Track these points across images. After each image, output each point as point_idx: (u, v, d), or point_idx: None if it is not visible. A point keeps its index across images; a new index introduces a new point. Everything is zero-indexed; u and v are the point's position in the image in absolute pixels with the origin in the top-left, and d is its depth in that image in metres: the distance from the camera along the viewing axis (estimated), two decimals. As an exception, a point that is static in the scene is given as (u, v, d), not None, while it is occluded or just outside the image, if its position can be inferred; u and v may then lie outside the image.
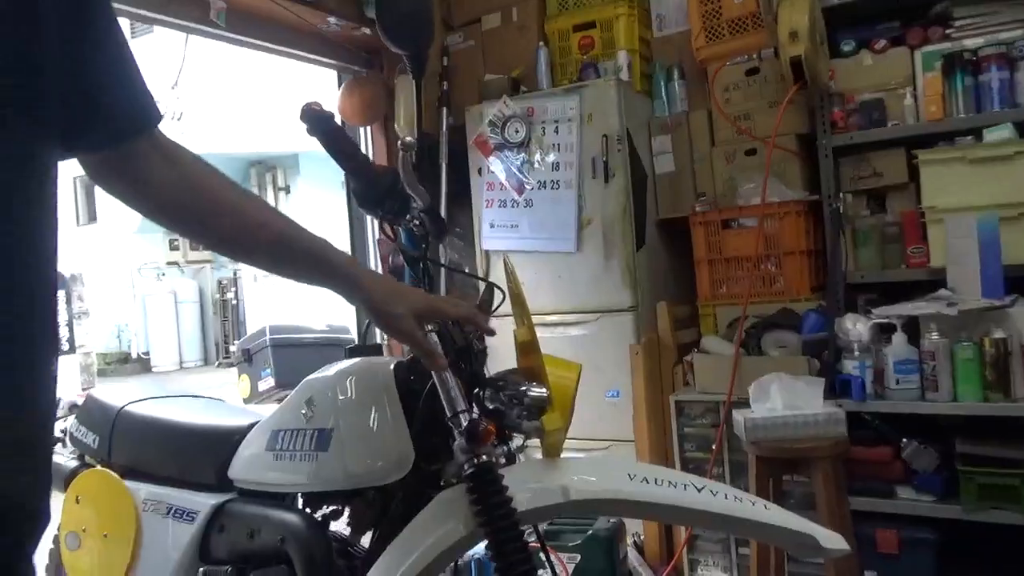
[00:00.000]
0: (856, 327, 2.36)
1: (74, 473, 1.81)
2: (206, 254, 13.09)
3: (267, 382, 3.92)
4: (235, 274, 12.17)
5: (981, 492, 2.14)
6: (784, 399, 2.12)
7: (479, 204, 3.16)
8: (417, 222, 1.21)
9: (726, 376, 2.54)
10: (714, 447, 2.58)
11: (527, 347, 1.27)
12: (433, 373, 1.22)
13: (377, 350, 1.47)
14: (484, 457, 1.14)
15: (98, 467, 1.77)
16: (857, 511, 2.27)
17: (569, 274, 2.98)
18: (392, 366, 1.33)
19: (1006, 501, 2.12)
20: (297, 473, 1.35)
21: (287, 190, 11.44)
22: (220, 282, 12.46)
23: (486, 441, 1.12)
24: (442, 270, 1.36)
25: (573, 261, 2.95)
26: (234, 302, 11.90)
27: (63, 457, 1.90)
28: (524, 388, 1.25)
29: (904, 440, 2.26)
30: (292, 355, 3.87)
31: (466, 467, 1.14)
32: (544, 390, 1.22)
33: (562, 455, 1.29)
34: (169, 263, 12.57)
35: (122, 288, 11.94)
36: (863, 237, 2.67)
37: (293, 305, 8.32)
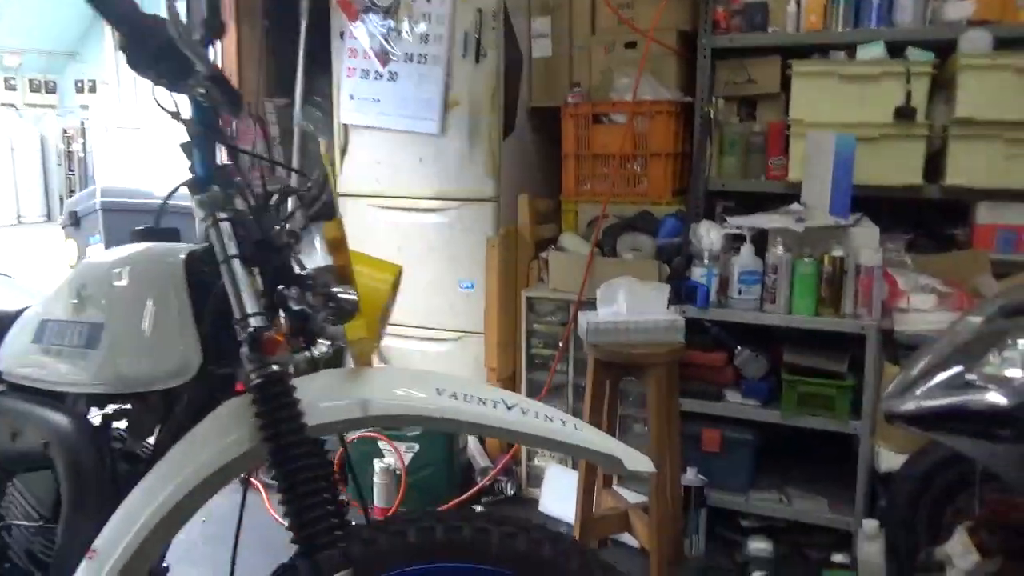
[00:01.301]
0: (709, 235, 2.36)
1: None
2: (50, 98, 11.75)
3: (96, 249, 3.55)
4: (83, 123, 11.02)
5: (800, 399, 2.25)
6: (629, 304, 2.10)
7: (340, 72, 2.89)
8: (202, 90, 1.01)
9: (579, 275, 2.50)
10: (560, 344, 2.58)
11: (335, 244, 1.13)
12: (222, 267, 1.06)
13: (173, 235, 1.28)
14: (275, 367, 1.02)
15: None
16: (687, 412, 2.34)
17: (431, 157, 2.80)
18: (184, 255, 1.16)
19: (821, 408, 2.23)
20: (64, 370, 1.18)
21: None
22: (65, 131, 11.26)
23: (271, 352, 0.99)
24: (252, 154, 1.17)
25: (436, 144, 2.78)
26: (81, 154, 10.83)
27: None
28: (334, 290, 1.12)
29: (738, 348, 2.32)
30: (127, 222, 3.49)
31: (253, 376, 1.01)
32: (351, 294, 1.09)
33: (377, 362, 1.19)
34: (4, 104, 11.19)
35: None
36: (729, 144, 2.64)
37: (148, 164, 7.64)
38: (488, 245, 2.71)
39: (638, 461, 1.09)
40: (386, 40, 2.75)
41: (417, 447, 2.54)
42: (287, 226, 1.17)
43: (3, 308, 1.37)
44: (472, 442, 2.77)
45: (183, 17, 1.02)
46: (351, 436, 2.58)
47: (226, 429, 1.03)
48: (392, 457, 2.52)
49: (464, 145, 2.74)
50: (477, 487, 2.63)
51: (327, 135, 3.03)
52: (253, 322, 1.01)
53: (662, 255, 2.44)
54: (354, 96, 2.86)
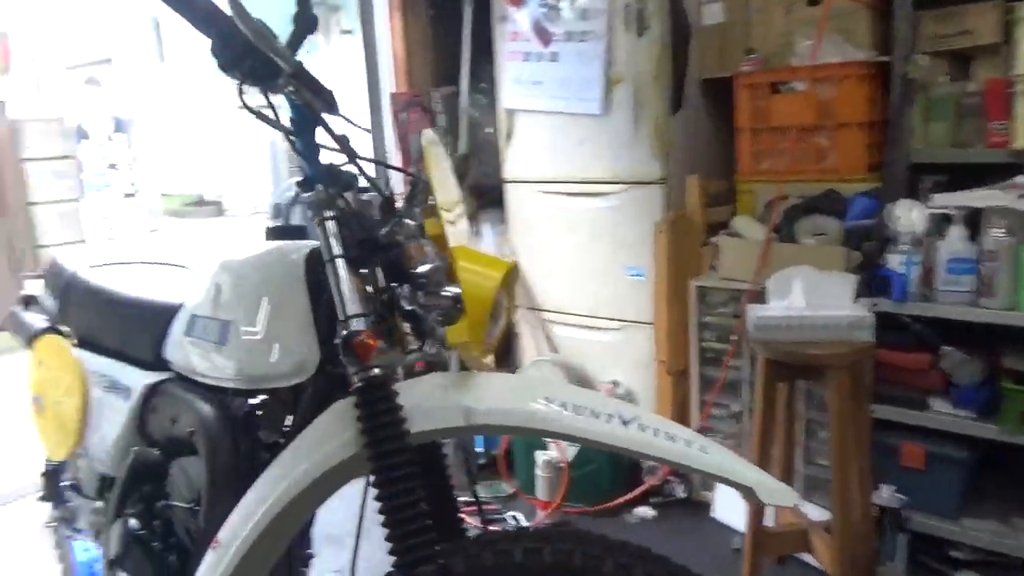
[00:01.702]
0: (910, 215, 2.04)
1: (38, 335, 1.76)
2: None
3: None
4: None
5: (1026, 412, 1.88)
6: (807, 296, 1.87)
7: (502, 56, 2.85)
8: (291, 88, 0.99)
9: (753, 263, 2.28)
10: (734, 338, 2.37)
11: (438, 241, 1.07)
12: (327, 267, 1.04)
13: (299, 232, 1.30)
14: (376, 371, 0.98)
15: (53, 333, 1.72)
16: (883, 420, 2.06)
17: (594, 139, 2.69)
18: (305, 253, 1.16)
19: (1055, 423, 1.86)
20: (204, 364, 1.24)
21: (351, 33, 11.01)
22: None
23: (365, 356, 0.96)
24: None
25: (599, 125, 2.66)
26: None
27: (32, 317, 1.85)
28: (443, 289, 1.07)
29: (945, 348, 1.99)
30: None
31: (354, 380, 0.99)
32: (454, 293, 1.04)
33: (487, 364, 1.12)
34: (241, 107, 12.53)
35: (198, 130, 12.03)
36: (937, 108, 2.26)
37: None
38: (655, 230, 2.55)
39: (776, 493, 0.93)
40: (546, 19, 2.67)
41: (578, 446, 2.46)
42: (399, 223, 1.14)
43: (172, 299, 1.47)
44: (637, 438, 2.63)
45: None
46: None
47: (333, 432, 1.02)
48: (555, 450, 2.46)
49: (629, 125, 2.60)
50: (644, 487, 2.51)
51: (492, 122, 3.02)
52: (352, 324, 0.98)
53: (851, 240, 2.15)
54: (516, 80, 2.81)
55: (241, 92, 0.94)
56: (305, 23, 0.99)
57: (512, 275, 1.13)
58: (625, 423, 0.98)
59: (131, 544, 1.35)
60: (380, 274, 1.11)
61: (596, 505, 2.45)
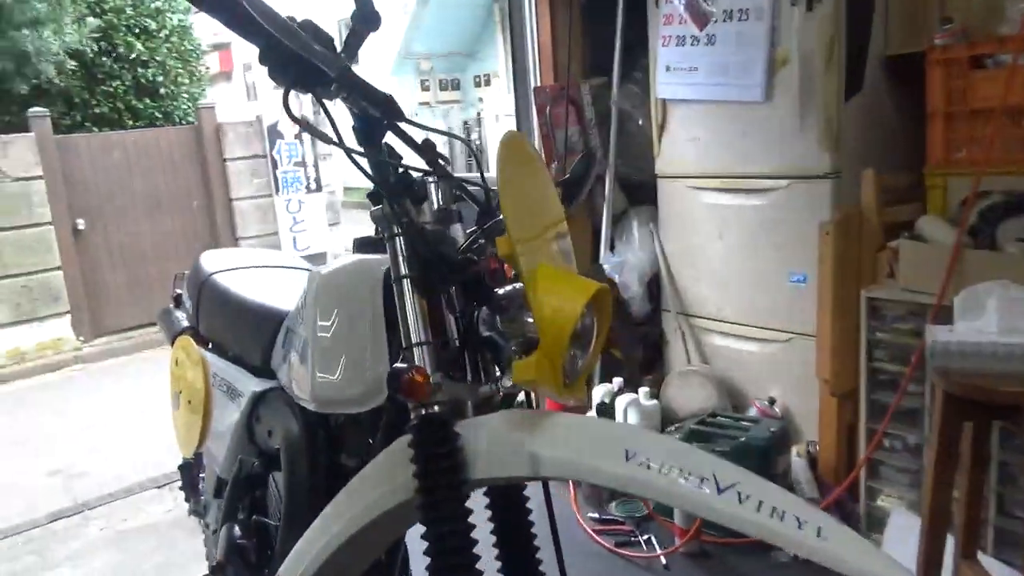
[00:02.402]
0: None
1: (178, 334, 1.84)
2: (455, 94, 13.41)
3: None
4: (478, 114, 12.36)
5: None
6: (1003, 318, 1.53)
7: (656, 43, 2.65)
8: (344, 95, 0.89)
9: (939, 272, 1.93)
10: (913, 359, 2.03)
11: (511, 262, 0.94)
12: (395, 288, 0.95)
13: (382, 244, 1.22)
14: (435, 407, 0.88)
15: (190, 333, 1.79)
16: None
17: (755, 129, 2.42)
18: (385, 268, 1.08)
19: None
20: (291, 379, 1.20)
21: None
22: (465, 122, 12.76)
23: (415, 396, 0.85)
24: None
25: (761, 113, 2.38)
26: (478, 142, 12.14)
27: (178, 315, 1.95)
28: (526, 315, 0.94)
29: None
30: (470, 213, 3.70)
31: (412, 417, 0.89)
32: (526, 323, 0.90)
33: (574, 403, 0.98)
34: (421, 103, 13.06)
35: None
36: None
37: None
38: (821, 231, 2.25)
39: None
40: None
41: (724, 464, 2.23)
42: (475, 242, 1.03)
43: (284, 306, 1.46)
44: (800, 470, 2.35)
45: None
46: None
47: (389, 473, 0.93)
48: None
49: (794, 113, 2.30)
50: (797, 519, 2.22)
51: (644, 113, 2.82)
52: (412, 356, 0.88)
53: (1070, 247, 1.75)
54: (670, 67, 2.59)
55: (286, 99, 0.87)
56: (364, 21, 0.89)
57: (603, 299, 0.97)
58: (721, 490, 0.81)
59: (232, 553, 1.35)
60: (457, 295, 1.00)
61: (740, 537, 2.20)
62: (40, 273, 5.60)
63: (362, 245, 1.19)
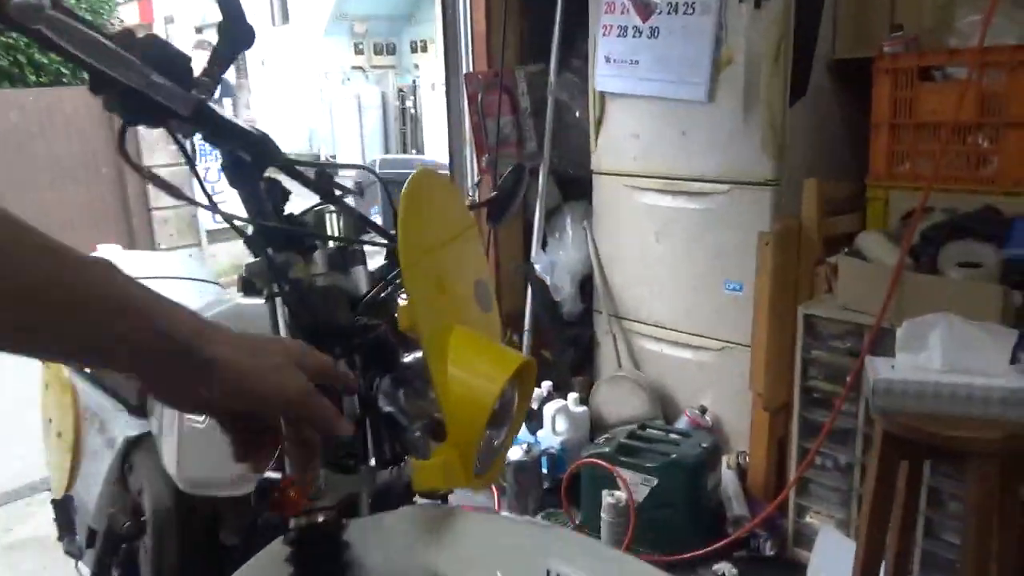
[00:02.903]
0: (1097, 250, 1.57)
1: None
2: (389, 59, 13.00)
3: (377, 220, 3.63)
4: (414, 82, 12.01)
5: None
6: (947, 354, 1.46)
7: (596, 31, 2.49)
8: (200, 135, 0.72)
9: (879, 293, 1.86)
10: (848, 380, 1.97)
11: (413, 335, 0.79)
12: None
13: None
14: (319, 515, 0.73)
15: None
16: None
17: (697, 130, 2.31)
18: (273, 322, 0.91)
19: None
20: (160, 441, 1.02)
21: None
22: (400, 89, 12.38)
23: (284, 512, 0.69)
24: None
25: (703, 113, 2.27)
26: (412, 111, 11.81)
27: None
28: (427, 393, 0.79)
29: None
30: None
31: (290, 525, 0.73)
32: (427, 403, 0.76)
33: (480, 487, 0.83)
34: (354, 67, 12.62)
35: (309, 89, 12.22)
36: None
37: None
38: (760, 242, 2.16)
39: None
40: (648, -12, 2.29)
41: (656, 481, 2.15)
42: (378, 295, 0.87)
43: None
44: (730, 483, 2.29)
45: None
46: (580, 459, 2.28)
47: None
48: (623, 489, 2.16)
49: (737, 114, 2.20)
50: (728, 539, 2.16)
51: (582, 105, 2.67)
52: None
53: (1010, 276, 1.70)
54: (610, 58, 2.45)
55: (122, 140, 0.69)
56: (232, 39, 0.71)
57: (528, 370, 0.83)
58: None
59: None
60: (353, 362, 0.84)
61: (669, 555, 2.14)
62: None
63: (250, 286, 1.02)
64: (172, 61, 0.66)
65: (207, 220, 6.52)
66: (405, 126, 12.07)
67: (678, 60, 2.27)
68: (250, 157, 0.75)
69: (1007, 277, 1.70)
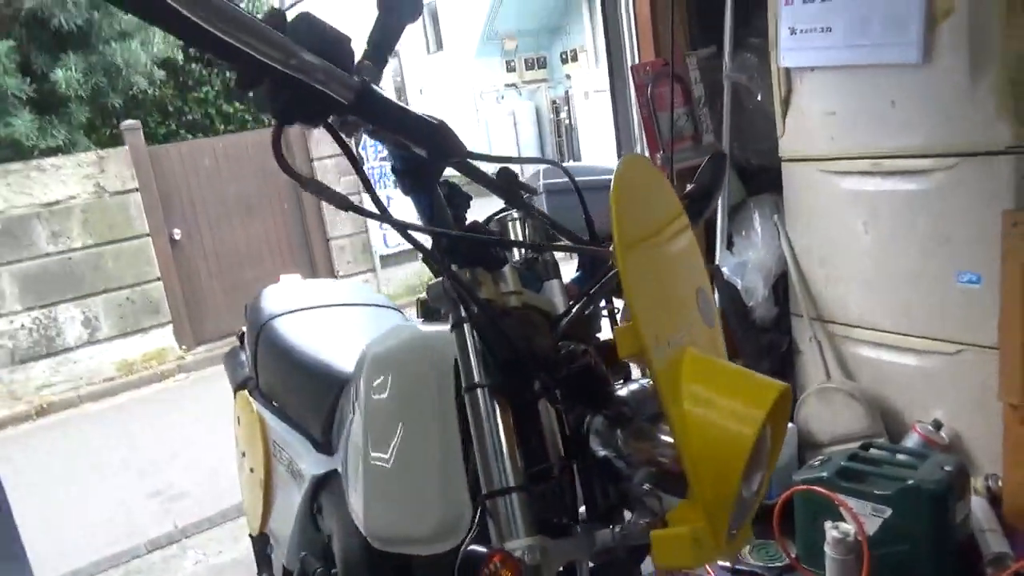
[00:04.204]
0: None
1: (238, 387, 1.62)
2: (540, 73, 13.06)
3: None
4: (566, 93, 11.95)
5: None
6: None
7: (776, 2, 2.23)
8: (367, 130, 0.60)
9: None
10: None
11: (640, 362, 0.63)
12: (465, 398, 0.65)
13: None
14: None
15: (251, 386, 1.55)
16: None
17: (910, 98, 1.98)
18: None
19: None
20: (346, 483, 0.92)
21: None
22: (553, 101, 12.38)
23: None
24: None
25: (916, 78, 1.94)
26: (567, 121, 11.75)
27: (243, 359, 1.72)
28: (660, 431, 0.64)
29: None
30: (569, 203, 3.34)
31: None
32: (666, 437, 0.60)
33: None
34: (507, 85, 12.78)
35: (466, 111, 12.51)
36: None
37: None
38: (1006, 222, 1.80)
39: None
40: (838, -56, 2.00)
41: (889, 512, 1.84)
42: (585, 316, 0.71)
43: (345, 366, 1.19)
44: (982, 513, 1.93)
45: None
46: (793, 485, 2.00)
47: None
48: (849, 520, 1.87)
49: (962, 75, 1.85)
50: (983, 580, 1.81)
51: (764, 87, 2.41)
52: (499, 506, 0.59)
53: None
54: (795, 29, 2.17)
55: (278, 142, 0.58)
56: (395, 12, 0.59)
57: (782, 403, 0.65)
58: None
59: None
60: (558, 398, 0.69)
61: (912, 598, 1.82)
62: (141, 285, 5.69)
63: (431, 311, 0.89)
64: (331, 44, 0.55)
65: (380, 245, 6.77)
66: (561, 137, 12.03)
67: (880, 19, 1.96)
68: (426, 153, 0.62)
69: None
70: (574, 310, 0.71)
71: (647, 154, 2.39)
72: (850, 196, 2.20)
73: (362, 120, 0.59)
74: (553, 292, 0.79)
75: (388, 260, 6.92)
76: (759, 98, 2.44)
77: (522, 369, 0.64)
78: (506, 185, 0.73)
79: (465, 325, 0.65)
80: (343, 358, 1.22)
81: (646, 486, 0.63)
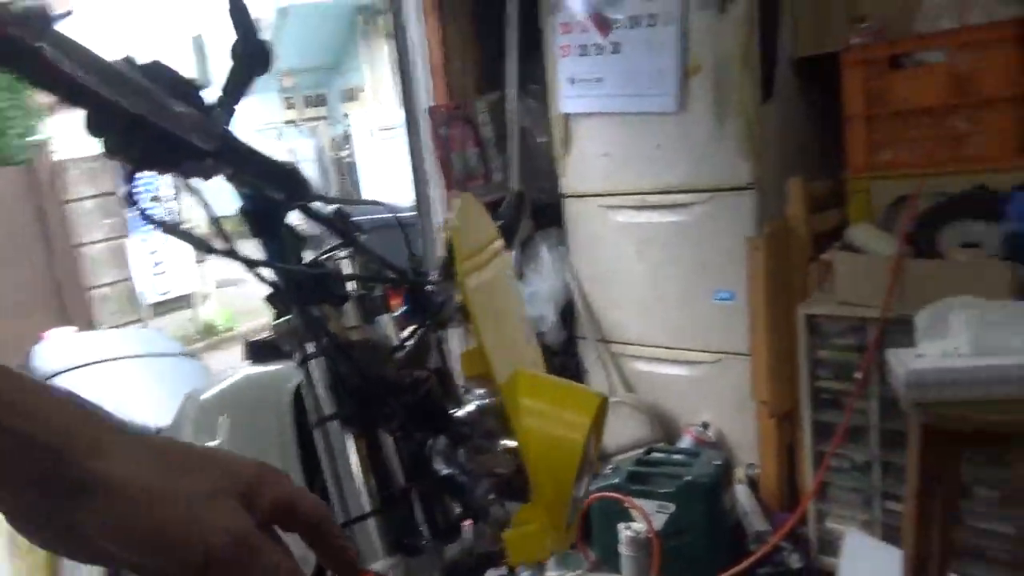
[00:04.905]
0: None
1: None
2: (320, 110, 12.88)
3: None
4: (346, 131, 11.90)
5: None
6: (975, 337, 1.42)
7: (554, 53, 2.45)
8: (224, 175, 0.62)
9: (880, 284, 1.82)
10: (857, 377, 1.92)
11: (485, 383, 0.69)
12: (314, 433, 0.67)
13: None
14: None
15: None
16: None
17: (670, 141, 2.26)
18: (295, 386, 0.79)
19: None
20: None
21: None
22: (334, 139, 12.26)
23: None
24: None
25: (675, 124, 2.23)
26: (348, 160, 11.69)
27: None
28: (496, 445, 0.70)
29: None
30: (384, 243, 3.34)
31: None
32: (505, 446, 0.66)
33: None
34: (286, 122, 12.45)
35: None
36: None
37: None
38: (750, 247, 2.12)
39: None
40: (605, 4, 2.25)
41: (672, 508, 2.05)
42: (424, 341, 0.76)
43: (145, 421, 1.12)
44: (744, 498, 2.21)
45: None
46: (591, 496, 2.17)
47: None
48: (640, 520, 2.06)
49: (710, 121, 2.16)
50: (752, 557, 2.08)
51: (543, 132, 2.62)
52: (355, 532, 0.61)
53: (1015, 252, 1.68)
54: (572, 79, 2.40)
55: (131, 185, 0.57)
56: (249, 60, 0.61)
57: (602, 411, 0.73)
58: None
59: None
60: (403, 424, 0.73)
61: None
62: None
63: (259, 352, 0.89)
64: (182, 89, 0.55)
65: (149, 292, 6.25)
66: (344, 176, 11.92)
67: (644, 73, 2.23)
68: (284, 195, 0.64)
69: (1010, 251, 1.68)
70: (413, 337, 0.75)
71: (443, 192, 2.49)
72: (624, 228, 2.45)
73: (224, 166, 0.60)
74: (385, 327, 0.82)
75: (159, 308, 6.42)
76: (542, 140, 2.65)
77: (373, 399, 0.67)
78: (342, 225, 0.76)
79: (317, 359, 0.66)
80: (147, 412, 1.15)
81: (491, 496, 0.68)
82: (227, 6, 0.57)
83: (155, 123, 0.51)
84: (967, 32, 1.79)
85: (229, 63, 0.60)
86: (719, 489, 2.09)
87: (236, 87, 0.61)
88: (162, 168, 0.56)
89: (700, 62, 2.13)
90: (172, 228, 0.61)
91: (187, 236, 0.62)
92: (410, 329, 0.80)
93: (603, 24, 2.26)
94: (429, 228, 2.58)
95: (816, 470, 2.07)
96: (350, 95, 12.48)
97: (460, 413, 0.72)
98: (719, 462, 2.14)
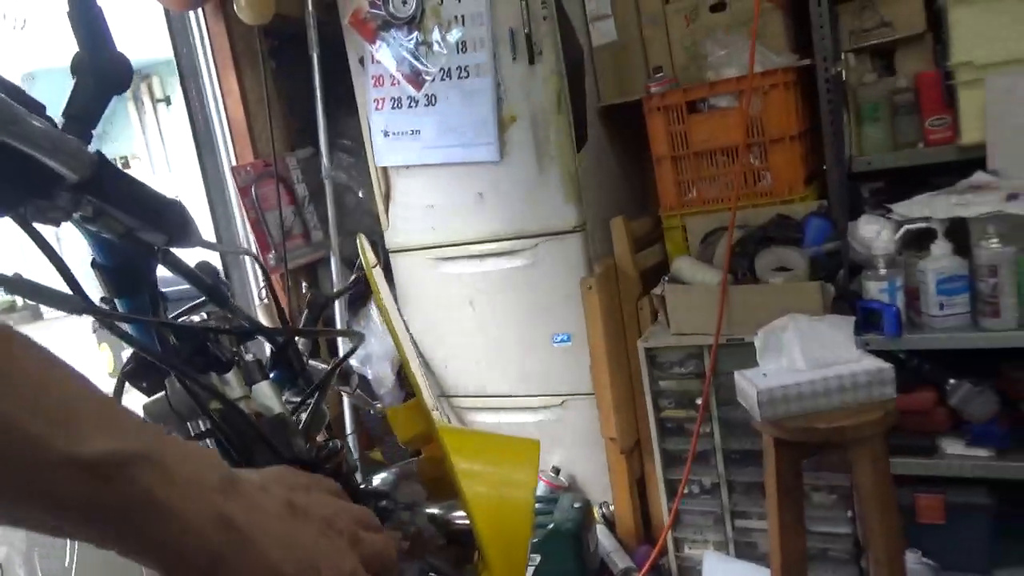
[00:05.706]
0: (881, 235, 1.77)
1: None
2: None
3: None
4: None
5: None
6: (806, 352, 1.53)
7: (367, 106, 2.39)
8: (82, 215, 0.50)
9: (710, 313, 1.93)
10: (699, 403, 2.01)
11: (417, 440, 0.61)
12: None
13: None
14: None
15: None
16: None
17: (493, 190, 2.27)
18: None
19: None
20: None
21: (167, 101, 10.05)
22: (107, 212, 11.20)
23: None
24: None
25: (497, 173, 2.25)
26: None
27: None
28: (420, 515, 0.61)
29: (951, 382, 1.72)
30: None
31: None
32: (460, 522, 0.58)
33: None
34: None
35: (10, 235, 10.55)
36: (869, 110, 2.04)
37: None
38: (583, 287, 2.17)
39: None
40: (415, 57, 2.24)
41: (539, 558, 2.00)
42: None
43: None
44: (604, 539, 2.21)
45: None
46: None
47: None
48: None
49: (531, 169, 2.20)
50: (618, 596, 2.08)
51: (364, 184, 2.54)
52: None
53: (820, 270, 1.86)
54: (388, 132, 2.35)
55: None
56: (100, 77, 0.49)
57: (534, 458, 0.67)
58: None
59: None
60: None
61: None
62: None
63: (134, 375, 0.72)
64: (34, 107, 0.43)
65: None
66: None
67: (462, 124, 2.23)
68: (167, 239, 0.52)
69: (815, 273, 1.85)
70: (312, 404, 0.65)
71: (259, 254, 2.31)
72: (455, 279, 2.41)
73: (89, 203, 0.46)
74: (265, 394, 0.71)
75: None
76: (361, 195, 2.56)
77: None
78: (211, 281, 0.64)
79: (214, 436, 0.54)
80: None
81: (434, 562, 0.60)
82: (67, 8, 0.46)
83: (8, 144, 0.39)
84: (749, 79, 1.98)
85: (72, 81, 0.48)
86: (582, 532, 2.08)
87: (88, 110, 0.49)
88: (12, 204, 0.43)
89: (516, 112, 2.17)
90: (31, 286, 0.47)
91: (39, 291, 0.48)
92: (302, 396, 0.70)
93: (415, 79, 2.24)
94: (248, 297, 2.38)
95: (670, 499, 2.13)
96: (124, 164, 11.53)
97: (375, 483, 0.63)
98: (579, 504, 2.13)
